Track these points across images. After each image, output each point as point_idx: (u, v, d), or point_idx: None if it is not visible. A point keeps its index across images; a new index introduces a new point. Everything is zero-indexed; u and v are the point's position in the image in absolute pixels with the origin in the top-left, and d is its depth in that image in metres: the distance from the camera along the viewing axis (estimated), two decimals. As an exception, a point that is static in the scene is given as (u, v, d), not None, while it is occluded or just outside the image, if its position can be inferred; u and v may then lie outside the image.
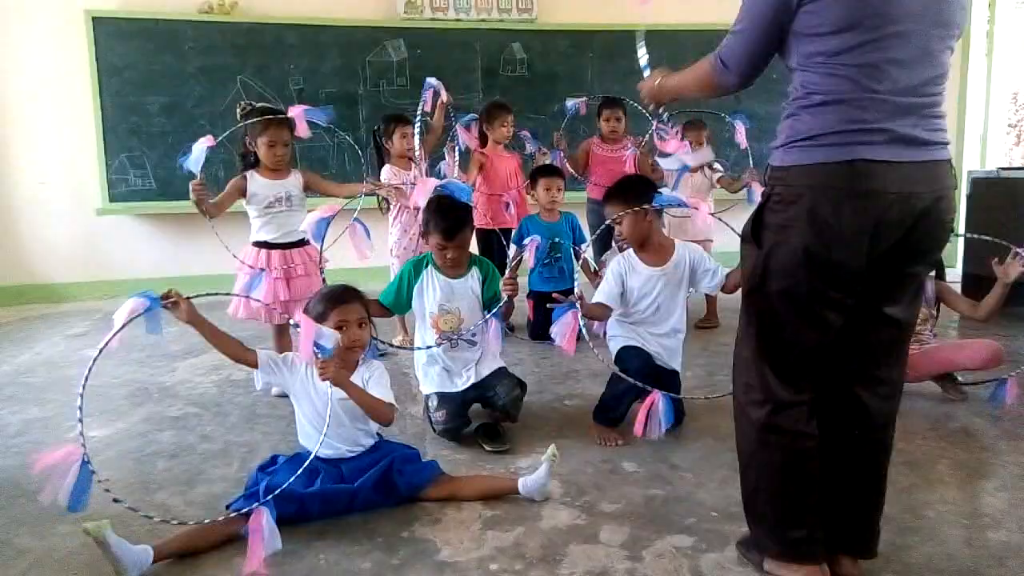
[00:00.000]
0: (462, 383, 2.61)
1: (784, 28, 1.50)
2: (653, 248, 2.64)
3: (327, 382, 1.97)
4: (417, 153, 3.76)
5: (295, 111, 2.98)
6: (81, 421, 1.76)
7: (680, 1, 5.89)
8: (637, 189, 2.62)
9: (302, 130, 2.97)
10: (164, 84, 5.32)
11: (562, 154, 4.34)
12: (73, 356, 3.89)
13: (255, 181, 3.05)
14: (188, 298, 1.96)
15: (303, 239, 3.10)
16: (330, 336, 1.95)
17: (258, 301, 2.83)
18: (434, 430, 2.63)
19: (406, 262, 2.77)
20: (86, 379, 1.79)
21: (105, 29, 5.15)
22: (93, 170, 5.29)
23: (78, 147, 5.29)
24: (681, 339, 2.69)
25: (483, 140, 4.24)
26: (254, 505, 1.80)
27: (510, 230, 3.99)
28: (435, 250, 2.61)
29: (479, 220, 4.06)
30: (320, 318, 2.07)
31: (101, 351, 1.80)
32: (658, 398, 2.31)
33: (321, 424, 2.01)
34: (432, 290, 2.64)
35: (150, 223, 5.55)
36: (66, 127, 5.30)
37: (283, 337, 3.16)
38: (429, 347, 2.62)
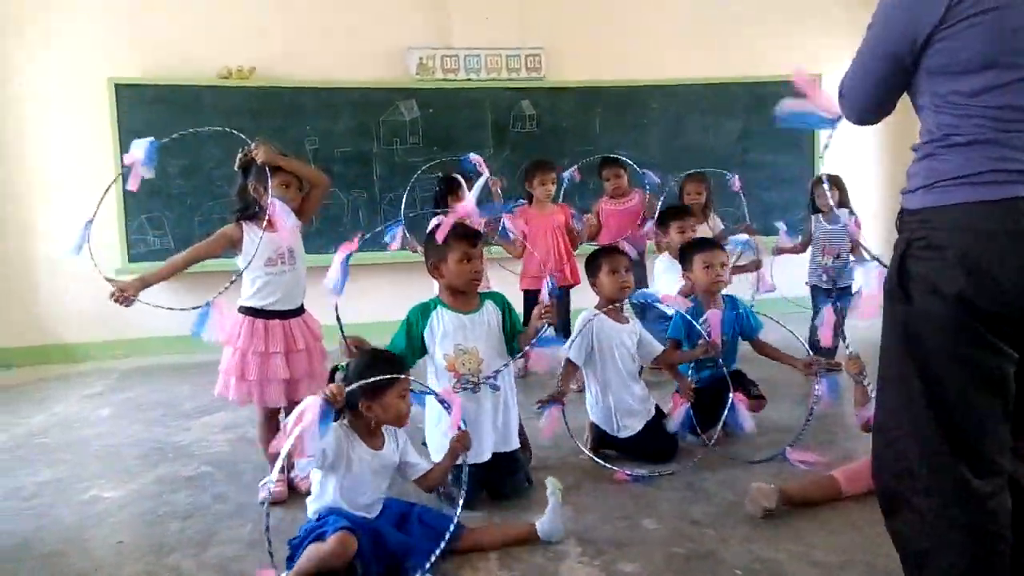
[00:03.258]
0: (479, 456, 2.43)
1: (909, 65, 1.37)
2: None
3: (375, 457, 2.08)
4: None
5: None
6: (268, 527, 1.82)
7: (686, 56, 6.04)
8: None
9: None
10: (183, 147, 5.42)
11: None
12: (89, 416, 3.89)
13: (253, 232, 2.63)
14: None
15: (302, 305, 2.76)
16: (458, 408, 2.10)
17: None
18: (440, 497, 2.47)
19: (410, 310, 2.57)
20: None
21: (127, 96, 5.32)
22: (113, 231, 5.38)
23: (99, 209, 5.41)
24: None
25: (529, 198, 4.32)
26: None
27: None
28: (459, 266, 2.45)
29: (524, 282, 4.23)
30: (382, 388, 2.03)
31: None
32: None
33: (359, 497, 2.05)
34: (446, 330, 2.46)
35: (168, 283, 5.60)
36: (87, 190, 5.41)
37: (271, 423, 2.67)
38: (445, 389, 2.37)
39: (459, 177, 3.96)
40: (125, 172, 2.75)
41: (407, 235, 3.48)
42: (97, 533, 2.38)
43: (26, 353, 5.39)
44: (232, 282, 2.68)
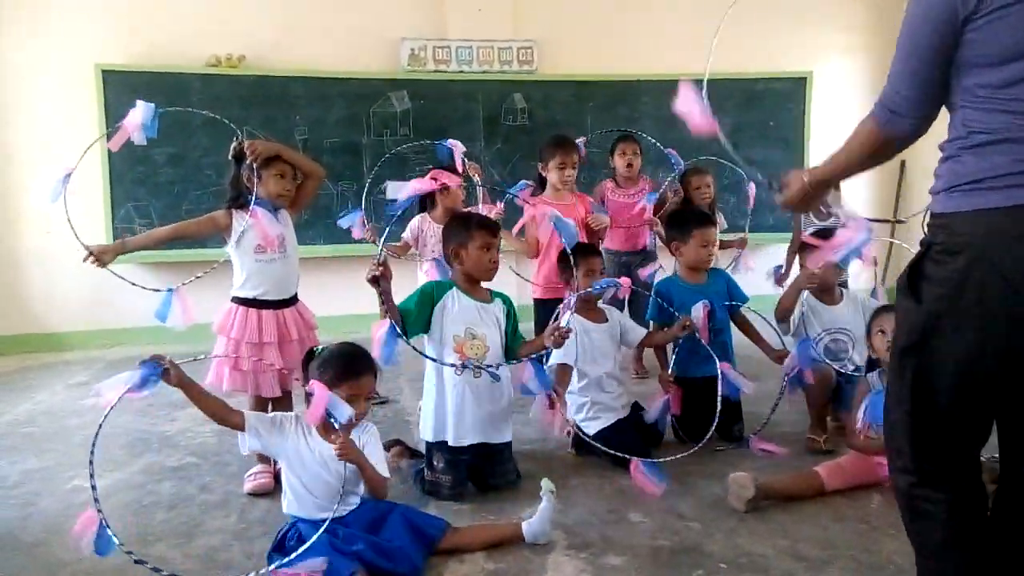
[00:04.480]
0: (468, 439, 2.47)
1: (951, 55, 1.32)
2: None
3: (324, 448, 2.01)
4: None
5: None
6: (95, 487, 1.81)
7: (679, 51, 6.04)
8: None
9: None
10: (171, 135, 5.40)
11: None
12: (73, 406, 3.86)
13: (242, 220, 2.63)
14: (176, 364, 1.94)
15: (295, 295, 2.77)
16: (345, 411, 1.89)
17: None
18: (424, 487, 2.50)
19: (427, 282, 2.60)
20: (92, 452, 1.81)
21: (114, 82, 5.26)
22: (99, 220, 5.34)
23: (85, 197, 5.35)
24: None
25: (542, 184, 3.60)
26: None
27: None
28: (480, 254, 2.48)
29: (538, 290, 3.53)
30: (329, 385, 1.95)
31: (101, 426, 1.87)
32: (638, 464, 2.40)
33: (319, 488, 2.01)
34: (460, 311, 2.49)
35: (154, 272, 5.57)
36: (73, 177, 5.36)
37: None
38: (452, 364, 2.42)
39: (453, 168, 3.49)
40: (111, 131, 2.69)
41: (366, 223, 3.26)
42: (82, 523, 2.37)
43: (12, 341, 5.35)
44: (204, 273, 2.69)
